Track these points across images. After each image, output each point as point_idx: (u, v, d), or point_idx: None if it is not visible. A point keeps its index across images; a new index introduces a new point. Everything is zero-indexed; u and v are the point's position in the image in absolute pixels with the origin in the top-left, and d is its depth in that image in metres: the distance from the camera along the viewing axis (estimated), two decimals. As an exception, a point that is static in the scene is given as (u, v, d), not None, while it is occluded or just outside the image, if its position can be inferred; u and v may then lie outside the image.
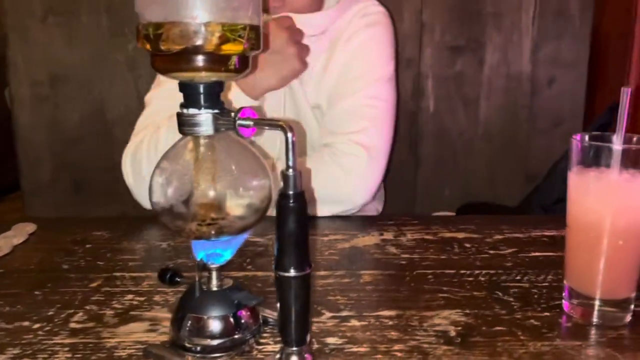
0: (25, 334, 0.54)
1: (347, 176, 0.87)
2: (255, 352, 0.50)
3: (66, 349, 0.51)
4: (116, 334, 0.53)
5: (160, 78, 0.97)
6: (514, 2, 1.56)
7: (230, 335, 0.50)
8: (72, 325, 0.55)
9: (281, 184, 0.44)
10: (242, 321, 0.51)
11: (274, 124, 0.44)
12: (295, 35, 0.87)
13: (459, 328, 0.54)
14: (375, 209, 1.12)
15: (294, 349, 0.46)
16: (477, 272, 0.68)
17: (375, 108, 0.93)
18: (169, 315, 0.56)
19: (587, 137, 0.54)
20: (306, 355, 0.47)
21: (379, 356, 0.49)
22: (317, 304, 0.59)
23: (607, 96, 1.64)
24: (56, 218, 0.91)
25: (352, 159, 0.88)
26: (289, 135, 0.43)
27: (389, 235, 0.80)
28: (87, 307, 0.59)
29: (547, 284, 0.65)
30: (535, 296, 0.61)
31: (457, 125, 1.65)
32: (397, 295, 0.62)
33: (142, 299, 0.61)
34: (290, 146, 0.43)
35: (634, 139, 0.53)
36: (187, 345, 0.50)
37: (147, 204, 0.82)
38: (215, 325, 0.50)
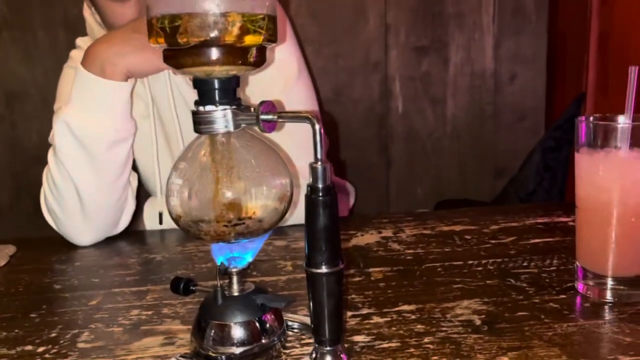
0: (31, 358, 0.50)
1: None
2: (283, 357, 0.48)
3: (80, 370, 0.47)
4: (131, 351, 0.50)
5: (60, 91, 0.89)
6: (473, 2, 1.60)
7: (257, 341, 0.48)
8: (81, 345, 0.52)
9: (310, 178, 0.42)
10: (268, 325, 0.49)
11: (299, 115, 0.43)
12: None
13: (483, 316, 0.54)
14: (347, 202, 1.11)
15: (329, 348, 0.45)
16: (484, 261, 0.68)
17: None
18: (183, 327, 0.54)
19: (592, 119, 0.55)
20: (342, 356, 0.45)
21: (412, 350, 0.48)
22: (335, 304, 0.57)
23: (567, 91, 1.70)
24: (36, 238, 0.86)
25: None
26: (317, 127, 0.42)
27: (387, 233, 0.80)
28: (92, 326, 0.55)
29: (554, 268, 0.65)
30: (547, 280, 0.62)
31: (426, 124, 1.67)
32: (412, 289, 0.61)
33: (149, 312, 0.58)
34: (318, 138, 0.42)
35: (640, 117, 0.54)
36: (211, 354, 0.47)
37: (79, 240, 0.80)
38: (240, 332, 0.47)
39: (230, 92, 0.45)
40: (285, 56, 0.87)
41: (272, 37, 0.44)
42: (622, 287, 0.56)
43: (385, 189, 1.70)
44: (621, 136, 0.53)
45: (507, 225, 0.81)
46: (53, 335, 0.54)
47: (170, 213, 0.46)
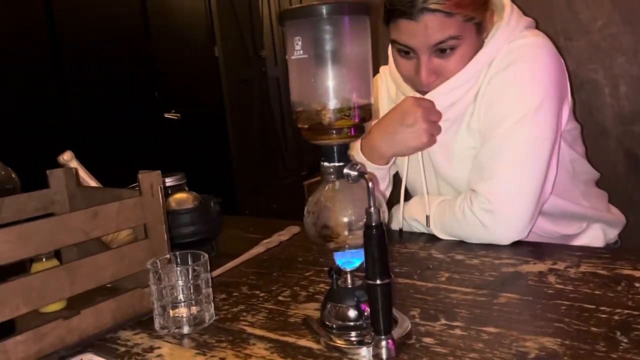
0: (255, 298, 0.85)
1: (485, 229, 0.94)
2: (368, 337, 0.69)
3: (266, 311, 0.80)
4: (297, 308, 0.80)
5: None
6: None
7: (356, 321, 0.70)
8: (280, 298, 0.84)
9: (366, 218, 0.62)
10: (365, 313, 0.70)
11: (363, 176, 0.63)
12: (430, 114, 0.97)
13: (542, 353, 0.61)
14: (603, 234, 1.09)
15: (382, 337, 0.64)
16: (617, 310, 0.69)
17: (516, 150, 0.94)
18: (335, 302, 0.80)
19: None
20: (389, 341, 0.64)
21: (451, 358, 0.62)
22: (440, 312, 0.73)
23: None
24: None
25: (486, 215, 0.93)
26: (370, 184, 0.61)
27: (560, 266, 0.84)
28: (294, 288, 0.87)
29: (686, 334, 0.62)
30: (656, 343, 0.61)
31: None
32: (515, 317, 0.70)
33: (328, 287, 0.85)
34: (370, 191, 0.61)
35: None
36: (327, 323, 0.72)
37: None
38: (344, 312, 0.71)
39: (340, 154, 0.68)
40: (527, 87, 0.95)
41: (366, 118, 0.66)
42: None
43: None
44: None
45: (701, 282, 0.74)
46: (273, 288, 0.88)
47: (306, 230, 0.73)
